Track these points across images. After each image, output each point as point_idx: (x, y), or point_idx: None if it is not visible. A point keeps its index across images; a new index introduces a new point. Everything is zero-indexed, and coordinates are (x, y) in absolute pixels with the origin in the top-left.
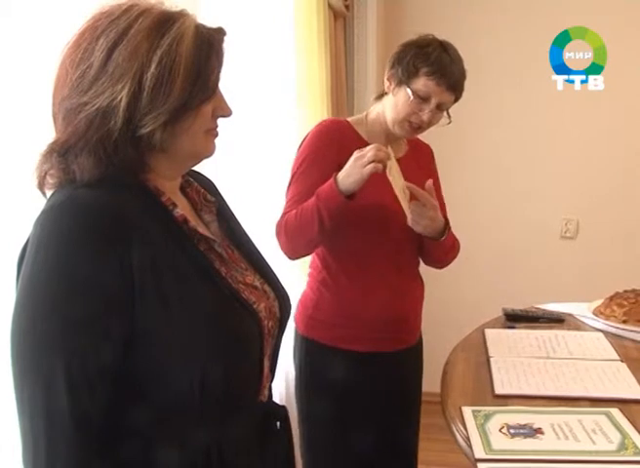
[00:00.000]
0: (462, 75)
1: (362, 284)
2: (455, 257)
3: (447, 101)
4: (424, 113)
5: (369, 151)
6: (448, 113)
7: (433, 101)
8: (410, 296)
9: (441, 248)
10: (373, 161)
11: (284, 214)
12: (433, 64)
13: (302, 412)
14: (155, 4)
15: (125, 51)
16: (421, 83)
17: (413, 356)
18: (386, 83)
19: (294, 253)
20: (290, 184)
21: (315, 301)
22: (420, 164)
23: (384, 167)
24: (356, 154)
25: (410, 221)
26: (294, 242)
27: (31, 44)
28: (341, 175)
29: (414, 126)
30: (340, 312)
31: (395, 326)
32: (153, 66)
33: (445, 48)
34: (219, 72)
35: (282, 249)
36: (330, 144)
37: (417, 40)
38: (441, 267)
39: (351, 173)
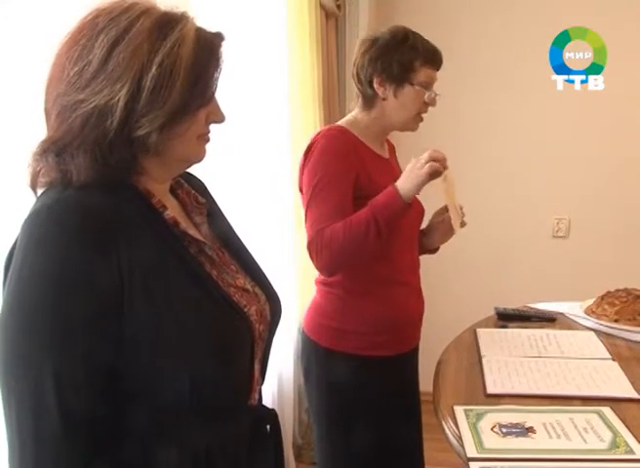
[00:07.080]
0: None
1: (387, 287)
2: None
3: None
4: (431, 99)
5: (425, 153)
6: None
7: (433, 86)
8: (422, 295)
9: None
10: (429, 161)
11: (319, 229)
12: (423, 53)
13: (320, 416)
14: (155, 4)
15: (126, 50)
16: (422, 74)
17: (416, 354)
18: (379, 89)
19: (337, 269)
20: (312, 198)
21: (337, 311)
22: (395, 160)
23: (442, 170)
24: (413, 161)
25: (455, 229)
26: (342, 257)
27: (31, 43)
28: (400, 181)
29: (422, 115)
30: (368, 320)
31: (416, 325)
32: (154, 68)
33: (415, 34)
34: (217, 77)
35: (322, 265)
36: (347, 155)
37: (388, 38)
38: None
39: (409, 177)
